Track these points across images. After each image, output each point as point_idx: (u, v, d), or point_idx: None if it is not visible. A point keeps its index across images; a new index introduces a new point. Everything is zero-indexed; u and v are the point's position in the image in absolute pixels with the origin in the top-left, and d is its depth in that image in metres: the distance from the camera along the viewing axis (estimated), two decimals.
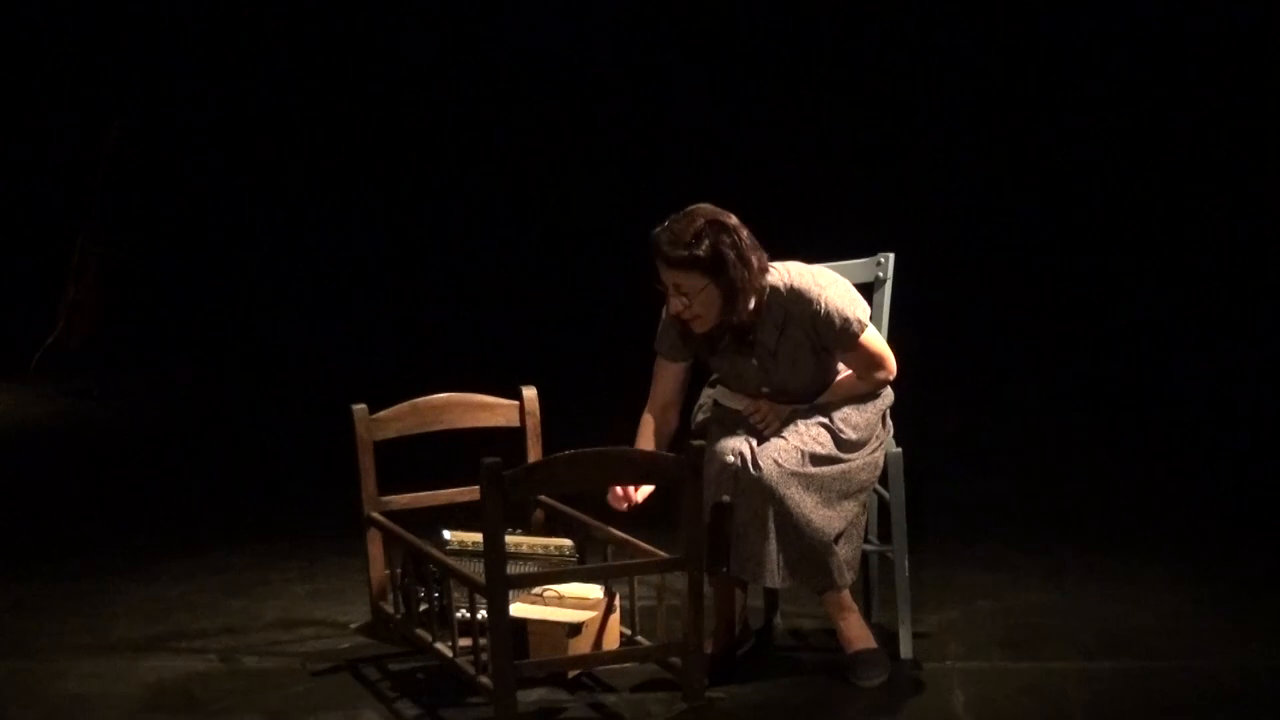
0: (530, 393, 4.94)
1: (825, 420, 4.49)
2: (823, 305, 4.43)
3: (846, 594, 4.53)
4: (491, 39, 10.55)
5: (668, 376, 4.62)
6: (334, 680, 4.59)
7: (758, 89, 9.85)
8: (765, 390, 4.56)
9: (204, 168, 10.66)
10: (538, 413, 4.94)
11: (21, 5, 10.58)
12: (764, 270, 4.42)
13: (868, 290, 4.79)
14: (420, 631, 4.58)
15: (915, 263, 4.72)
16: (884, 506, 4.72)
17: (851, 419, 4.52)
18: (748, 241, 4.38)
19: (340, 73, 10.64)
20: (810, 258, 4.80)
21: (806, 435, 4.45)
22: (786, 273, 4.48)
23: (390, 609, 4.79)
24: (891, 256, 4.77)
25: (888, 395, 4.63)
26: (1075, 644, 4.75)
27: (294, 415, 8.31)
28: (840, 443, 4.47)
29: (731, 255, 4.32)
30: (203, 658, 4.77)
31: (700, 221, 4.35)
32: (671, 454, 4.35)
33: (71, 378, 9.01)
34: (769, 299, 4.45)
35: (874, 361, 4.51)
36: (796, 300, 4.44)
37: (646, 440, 4.57)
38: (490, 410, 4.97)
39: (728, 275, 4.33)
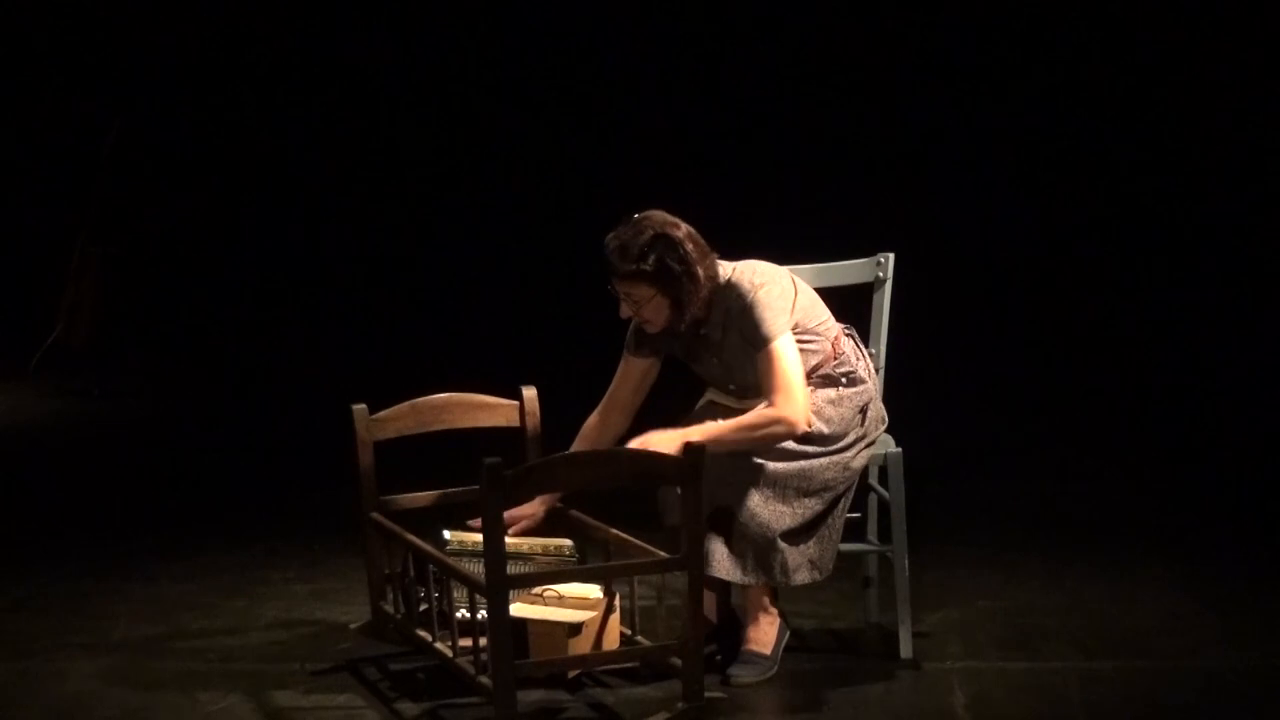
0: (530, 393, 4.94)
1: None
2: (749, 299, 4.44)
3: (768, 598, 4.52)
4: (490, 38, 10.55)
5: (626, 374, 4.69)
6: (334, 680, 4.59)
7: (758, 88, 9.84)
8: (732, 388, 4.58)
9: (204, 167, 10.65)
10: (538, 413, 4.94)
11: (22, 5, 10.57)
12: (711, 278, 4.45)
13: (868, 290, 4.79)
14: (420, 631, 4.58)
15: (915, 263, 4.71)
16: (884, 506, 4.71)
17: (825, 412, 4.49)
18: (694, 254, 4.41)
19: (340, 72, 10.63)
20: (811, 258, 4.80)
21: None
22: (733, 269, 4.52)
23: (390, 609, 4.79)
24: (891, 256, 4.77)
25: (866, 390, 4.57)
26: (1075, 644, 4.75)
27: (294, 415, 8.30)
28: (806, 438, 4.45)
29: (678, 269, 4.38)
30: (203, 658, 4.77)
31: (648, 234, 4.40)
32: (672, 454, 4.35)
33: (71, 378, 9.01)
34: (717, 294, 4.49)
35: (775, 381, 4.39)
36: (731, 293, 4.47)
37: (581, 445, 4.65)
38: (490, 410, 4.96)
39: (674, 287, 4.40)
